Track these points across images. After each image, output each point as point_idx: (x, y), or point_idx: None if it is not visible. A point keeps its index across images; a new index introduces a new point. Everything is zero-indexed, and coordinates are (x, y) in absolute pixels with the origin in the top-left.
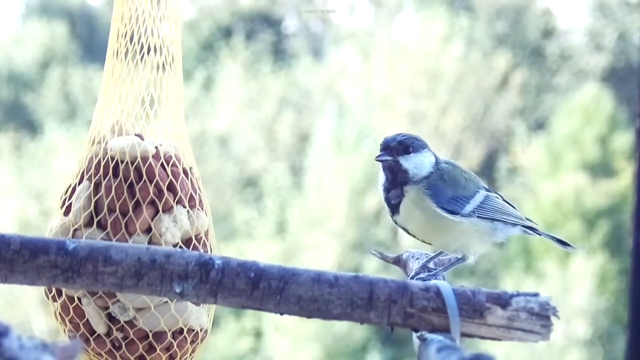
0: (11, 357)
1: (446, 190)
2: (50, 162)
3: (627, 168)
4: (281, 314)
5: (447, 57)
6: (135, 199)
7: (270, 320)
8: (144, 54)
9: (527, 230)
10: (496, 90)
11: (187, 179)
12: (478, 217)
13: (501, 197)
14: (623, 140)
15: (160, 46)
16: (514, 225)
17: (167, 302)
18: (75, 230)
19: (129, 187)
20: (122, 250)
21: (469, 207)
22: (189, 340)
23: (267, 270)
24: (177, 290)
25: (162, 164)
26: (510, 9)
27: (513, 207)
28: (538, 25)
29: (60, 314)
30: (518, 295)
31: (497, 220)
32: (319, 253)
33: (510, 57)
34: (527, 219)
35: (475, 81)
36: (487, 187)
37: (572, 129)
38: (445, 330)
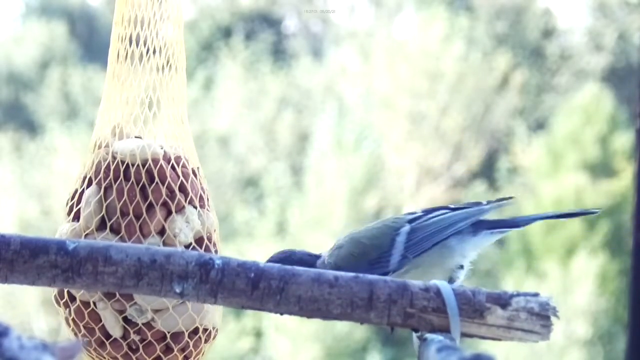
0: (11, 357)
1: (357, 267)
2: (51, 162)
3: (628, 168)
4: (281, 314)
5: (447, 57)
6: (147, 201)
7: (271, 320)
8: (147, 55)
9: (498, 229)
10: (496, 90)
11: (196, 179)
12: (415, 256)
13: (449, 208)
14: (623, 140)
15: (162, 48)
16: (475, 233)
17: (184, 302)
18: (87, 235)
19: (141, 189)
20: (122, 250)
21: (394, 259)
22: (203, 339)
23: (267, 270)
24: (177, 291)
25: (172, 165)
26: (510, 9)
27: (466, 207)
28: (538, 25)
29: (73, 319)
30: (518, 295)
31: (443, 239)
32: (319, 253)
33: (510, 57)
34: (491, 201)
35: (475, 81)
36: (415, 215)
37: (572, 129)
38: (445, 330)
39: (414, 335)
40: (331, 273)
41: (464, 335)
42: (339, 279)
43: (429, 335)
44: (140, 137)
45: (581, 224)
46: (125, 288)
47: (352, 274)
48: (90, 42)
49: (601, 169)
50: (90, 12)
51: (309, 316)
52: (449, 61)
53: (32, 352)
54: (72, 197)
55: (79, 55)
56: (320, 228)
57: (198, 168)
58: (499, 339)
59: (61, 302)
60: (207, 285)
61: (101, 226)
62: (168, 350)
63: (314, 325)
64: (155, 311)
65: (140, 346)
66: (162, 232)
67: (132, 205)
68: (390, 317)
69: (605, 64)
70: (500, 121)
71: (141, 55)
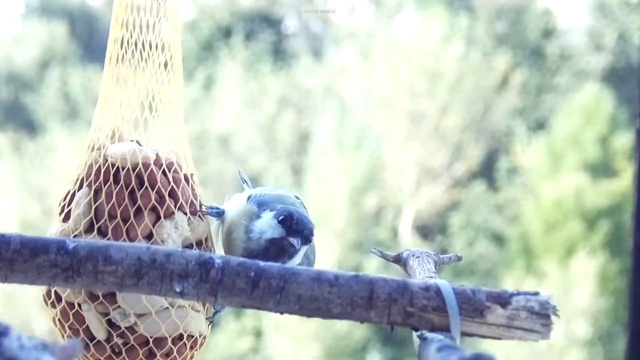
0: (11, 357)
1: None
2: (52, 162)
3: (628, 168)
4: (281, 313)
5: (447, 57)
6: (136, 205)
7: (271, 320)
8: (144, 59)
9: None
10: (496, 90)
11: (188, 185)
12: None
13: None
14: (623, 140)
15: (160, 51)
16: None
17: (167, 308)
18: (75, 236)
19: (130, 193)
20: (122, 249)
21: None
22: (188, 346)
23: (267, 269)
24: (177, 290)
25: (163, 171)
26: (510, 9)
27: None
28: (538, 25)
29: (59, 320)
30: (518, 294)
31: None
32: (319, 252)
33: (510, 57)
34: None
35: (475, 81)
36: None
37: (572, 129)
38: (445, 329)
39: (414, 334)
40: (331, 272)
41: (464, 334)
42: (339, 278)
43: (429, 335)
44: (134, 141)
45: (581, 224)
46: (126, 287)
47: (352, 273)
48: (90, 42)
49: (601, 169)
50: (90, 12)
51: (309, 315)
52: (448, 61)
53: (32, 352)
54: (65, 198)
55: (79, 55)
56: (320, 228)
57: (192, 175)
58: (499, 338)
59: (48, 302)
60: (207, 285)
61: (89, 228)
62: (151, 355)
63: (314, 324)
64: (138, 315)
65: (124, 350)
66: (149, 236)
67: (120, 209)
68: (391, 316)
69: (605, 64)
70: (500, 121)
71: (138, 58)
